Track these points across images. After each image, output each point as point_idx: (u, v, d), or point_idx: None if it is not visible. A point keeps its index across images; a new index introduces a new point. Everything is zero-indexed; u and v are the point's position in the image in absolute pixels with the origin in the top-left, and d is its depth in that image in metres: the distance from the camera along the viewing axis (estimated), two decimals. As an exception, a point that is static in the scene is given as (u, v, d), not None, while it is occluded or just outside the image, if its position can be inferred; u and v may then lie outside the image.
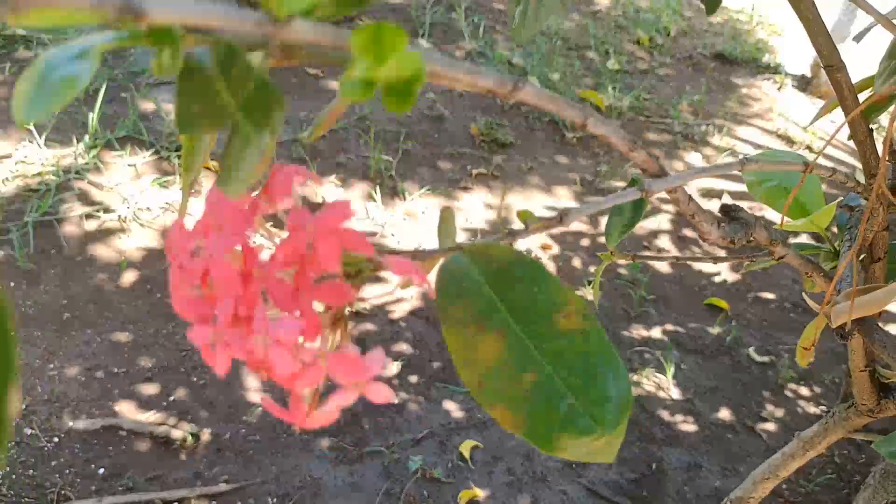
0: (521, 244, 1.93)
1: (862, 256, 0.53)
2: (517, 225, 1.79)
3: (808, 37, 0.44)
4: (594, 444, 0.26)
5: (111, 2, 0.17)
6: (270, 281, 0.26)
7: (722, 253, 1.96)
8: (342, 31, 0.21)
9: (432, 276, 0.29)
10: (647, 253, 1.99)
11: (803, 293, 0.52)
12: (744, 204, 2.26)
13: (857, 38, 0.52)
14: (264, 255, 0.27)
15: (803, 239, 1.97)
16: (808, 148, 2.62)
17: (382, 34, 0.20)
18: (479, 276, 0.28)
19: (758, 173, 0.59)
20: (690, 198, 0.33)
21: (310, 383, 0.26)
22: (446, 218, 0.30)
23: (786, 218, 0.60)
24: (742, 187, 2.28)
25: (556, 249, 1.95)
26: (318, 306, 0.28)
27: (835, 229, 0.62)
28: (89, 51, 0.21)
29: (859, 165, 2.53)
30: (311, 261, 0.26)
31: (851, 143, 0.50)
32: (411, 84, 0.21)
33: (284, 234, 0.27)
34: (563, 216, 0.28)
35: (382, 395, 0.27)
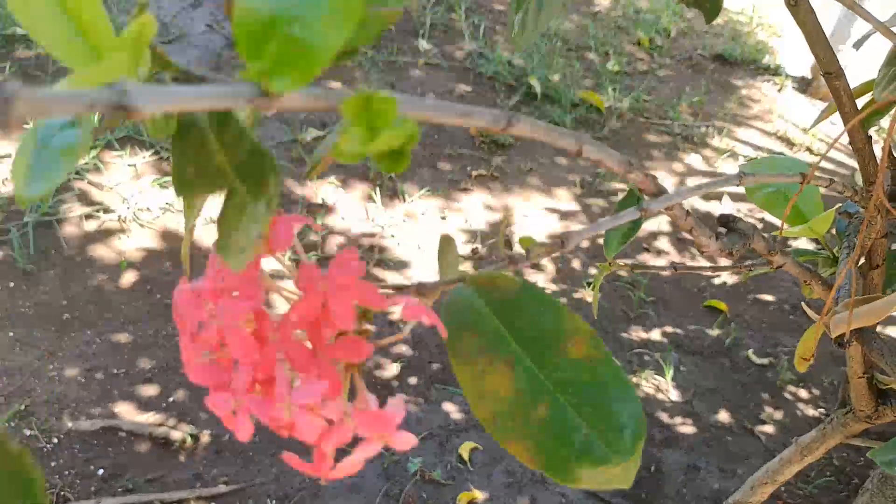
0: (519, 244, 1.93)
1: (860, 263, 0.53)
2: (516, 226, 1.77)
3: (807, 44, 0.44)
4: (611, 471, 0.26)
5: (104, 102, 0.17)
6: (286, 343, 0.26)
7: (721, 261, 1.96)
8: (334, 94, 0.21)
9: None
10: (644, 262, 1.99)
11: (802, 303, 0.52)
12: (743, 206, 2.26)
13: (857, 46, 0.52)
14: (274, 313, 0.26)
15: (802, 243, 1.97)
16: (808, 150, 2.62)
17: (372, 104, 0.20)
18: (485, 306, 0.27)
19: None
20: (688, 213, 0.34)
21: (337, 443, 0.26)
22: (446, 247, 0.29)
23: (786, 225, 0.60)
24: (742, 189, 2.28)
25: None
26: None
27: (833, 231, 0.62)
28: (82, 119, 0.21)
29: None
30: (325, 319, 0.25)
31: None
32: (404, 148, 0.21)
33: (289, 285, 0.27)
34: (564, 241, 0.28)
35: (407, 443, 0.27)
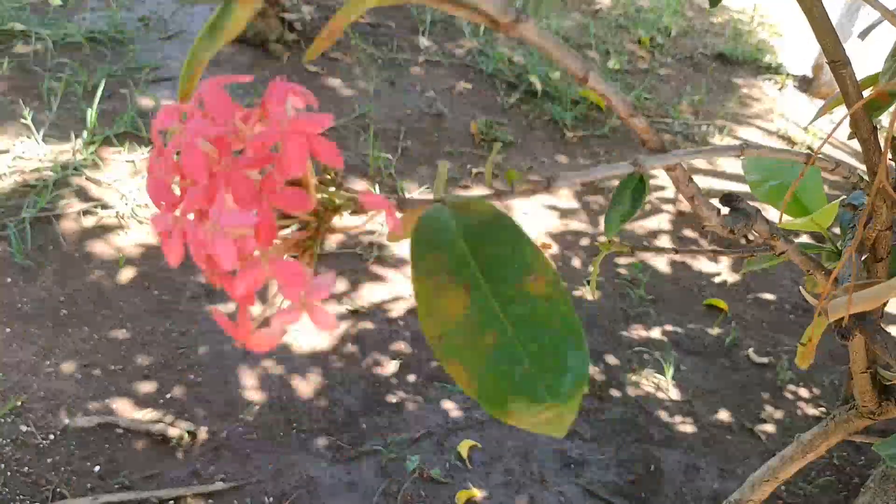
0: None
1: (864, 256, 0.52)
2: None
3: (813, 32, 0.43)
4: (546, 414, 0.25)
5: None
6: (236, 175, 0.25)
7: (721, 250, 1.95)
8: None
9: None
10: (644, 259, 1.98)
11: (801, 288, 0.51)
12: (744, 204, 2.25)
13: (862, 35, 0.52)
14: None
15: (804, 239, 1.97)
16: (809, 148, 2.62)
17: None
18: (457, 229, 0.27)
19: (760, 170, 0.58)
20: (690, 178, 0.33)
21: (249, 284, 0.26)
22: (442, 172, 0.29)
23: (788, 217, 0.59)
24: (743, 188, 2.28)
25: (555, 249, 1.94)
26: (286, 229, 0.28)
27: (836, 230, 0.61)
28: None
29: (860, 166, 2.52)
30: (279, 163, 0.25)
31: (853, 144, 0.49)
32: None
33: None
34: (550, 180, 0.28)
35: (326, 321, 0.26)
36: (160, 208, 0.26)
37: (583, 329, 0.26)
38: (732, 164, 2.44)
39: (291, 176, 0.25)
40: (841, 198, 0.55)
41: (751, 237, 0.40)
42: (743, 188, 2.27)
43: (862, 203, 0.53)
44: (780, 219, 0.47)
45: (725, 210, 0.38)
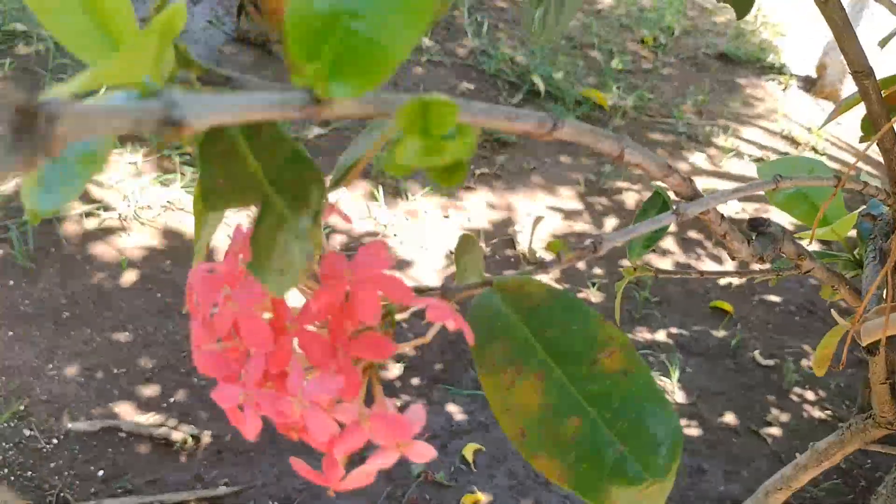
0: (523, 243, 1.92)
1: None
2: (519, 225, 1.75)
3: (836, 41, 0.42)
4: (645, 491, 0.24)
5: (151, 116, 0.15)
6: (304, 335, 0.24)
7: (733, 266, 1.94)
8: (389, 100, 0.19)
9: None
10: (649, 261, 1.97)
11: (832, 311, 0.50)
12: (748, 205, 2.25)
13: (882, 44, 0.51)
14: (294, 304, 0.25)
15: (814, 247, 1.97)
16: (813, 149, 2.61)
17: (430, 111, 0.18)
18: (514, 314, 0.26)
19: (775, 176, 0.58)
20: (723, 217, 0.32)
21: (351, 448, 0.24)
22: (467, 248, 0.27)
23: (794, 218, 0.59)
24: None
25: (559, 250, 1.93)
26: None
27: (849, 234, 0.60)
28: None
29: (868, 169, 2.51)
30: (348, 312, 0.23)
31: (859, 146, 0.49)
32: (462, 162, 0.19)
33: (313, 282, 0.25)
34: (597, 244, 0.27)
35: (425, 454, 0.25)
36: (218, 381, 0.24)
37: (667, 398, 0.25)
38: (739, 168, 2.43)
39: (364, 324, 0.24)
40: (861, 208, 0.54)
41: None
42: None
43: (881, 213, 0.52)
44: (812, 237, 0.46)
45: (752, 235, 0.37)
